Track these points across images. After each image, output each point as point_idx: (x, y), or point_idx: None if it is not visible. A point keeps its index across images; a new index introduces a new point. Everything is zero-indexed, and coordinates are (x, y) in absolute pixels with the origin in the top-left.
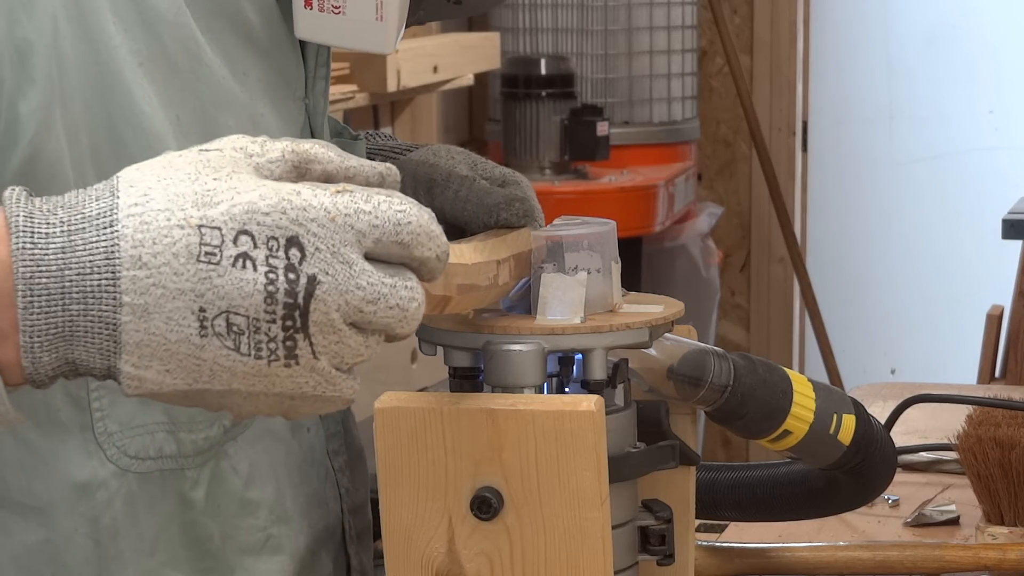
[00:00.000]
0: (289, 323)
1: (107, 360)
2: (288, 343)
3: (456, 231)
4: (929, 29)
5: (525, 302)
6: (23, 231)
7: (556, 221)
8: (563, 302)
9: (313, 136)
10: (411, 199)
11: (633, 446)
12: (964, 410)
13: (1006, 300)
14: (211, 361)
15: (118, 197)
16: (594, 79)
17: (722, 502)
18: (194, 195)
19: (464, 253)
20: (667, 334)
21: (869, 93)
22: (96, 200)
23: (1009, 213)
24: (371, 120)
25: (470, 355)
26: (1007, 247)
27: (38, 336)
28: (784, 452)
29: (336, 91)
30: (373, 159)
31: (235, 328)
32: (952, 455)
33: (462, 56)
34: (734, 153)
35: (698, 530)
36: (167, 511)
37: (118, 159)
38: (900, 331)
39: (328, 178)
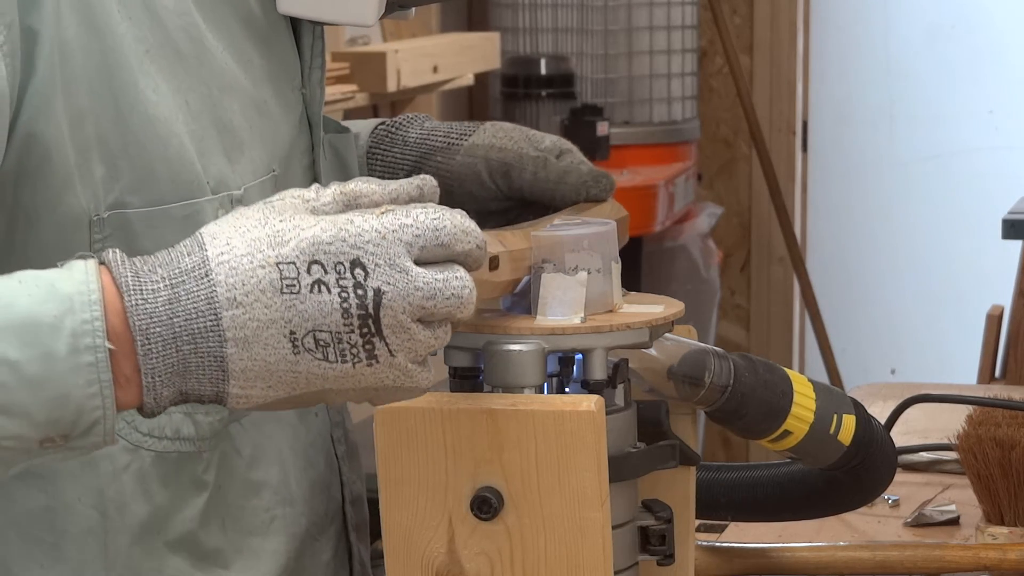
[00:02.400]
0: (365, 330)
1: (216, 387)
2: (367, 347)
3: (535, 208)
4: (929, 29)
5: (525, 302)
6: (133, 290)
7: (556, 221)
8: (563, 302)
9: (311, 126)
10: (444, 207)
11: (633, 446)
12: (964, 410)
13: (1006, 300)
14: (306, 372)
15: (206, 250)
16: (594, 79)
17: (722, 502)
18: (267, 237)
19: (525, 238)
20: (667, 334)
21: (869, 93)
22: (188, 255)
23: (1009, 213)
24: None
25: (470, 355)
26: (1007, 247)
27: (158, 376)
28: (784, 452)
29: (336, 91)
30: (433, 145)
31: (322, 342)
32: (952, 455)
33: (462, 56)
34: (734, 153)
35: (698, 530)
36: (181, 492)
37: (125, 145)
38: (900, 331)
39: (375, 207)
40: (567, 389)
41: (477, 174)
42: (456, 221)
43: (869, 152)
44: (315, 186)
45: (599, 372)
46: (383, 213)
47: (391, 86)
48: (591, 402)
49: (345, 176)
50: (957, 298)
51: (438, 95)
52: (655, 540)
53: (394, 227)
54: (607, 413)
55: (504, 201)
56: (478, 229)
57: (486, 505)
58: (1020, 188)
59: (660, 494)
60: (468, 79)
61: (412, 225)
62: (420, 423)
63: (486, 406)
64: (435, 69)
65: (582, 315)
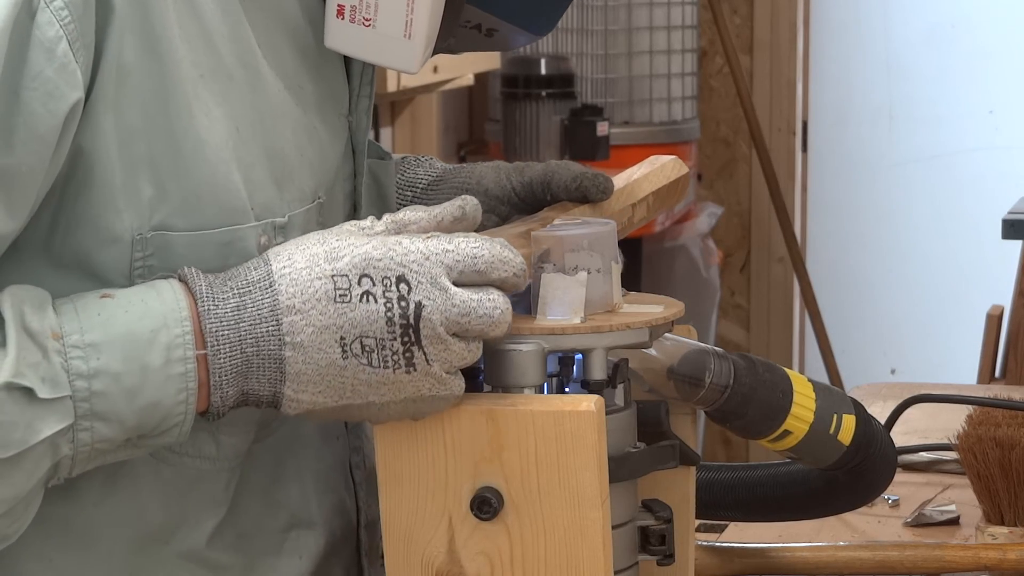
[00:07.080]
0: (406, 339)
1: (273, 388)
2: (407, 354)
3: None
4: (929, 29)
5: (525, 302)
6: (206, 297)
7: (556, 221)
8: (563, 302)
9: (355, 154)
10: (486, 236)
11: (633, 446)
12: (964, 410)
13: (1006, 300)
14: (351, 378)
15: (271, 264)
16: (594, 79)
17: (722, 502)
18: (325, 253)
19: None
20: (667, 334)
21: (869, 93)
22: (255, 269)
23: (1009, 213)
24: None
25: None
26: (1007, 247)
27: (225, 376)
28: (784, 452)
29: None
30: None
31: (367, 348)
32: (952, 455)
33: (462, 56)
34: (734, 153)
35: (698, 530)
36: (197, 507)
37: (176, 167)
38: (900, 331)
39: (423, 231)
40: (567, 389)
41: (496, 169)
42: (495, 251)
43: (869, 152)
44: (370, 218)
45: (599, 372)
46: (429, 238)
47: (391, 86)
48: (591, 402)
49: (382, 203)
50: (957, 298)
51: (438, 95)
52: (655, 540)
53: (437, 250)
54: (607, 413)
55: (512, 206)
56: (517, 258)
57: (486, 505)
58: (1020, 188)
59: (660, 494)
60: (468, 79)
61: (453, 251)
62: (420, 423)
63: (486, 406)
64: (435, 69)
65: (582, 315)
